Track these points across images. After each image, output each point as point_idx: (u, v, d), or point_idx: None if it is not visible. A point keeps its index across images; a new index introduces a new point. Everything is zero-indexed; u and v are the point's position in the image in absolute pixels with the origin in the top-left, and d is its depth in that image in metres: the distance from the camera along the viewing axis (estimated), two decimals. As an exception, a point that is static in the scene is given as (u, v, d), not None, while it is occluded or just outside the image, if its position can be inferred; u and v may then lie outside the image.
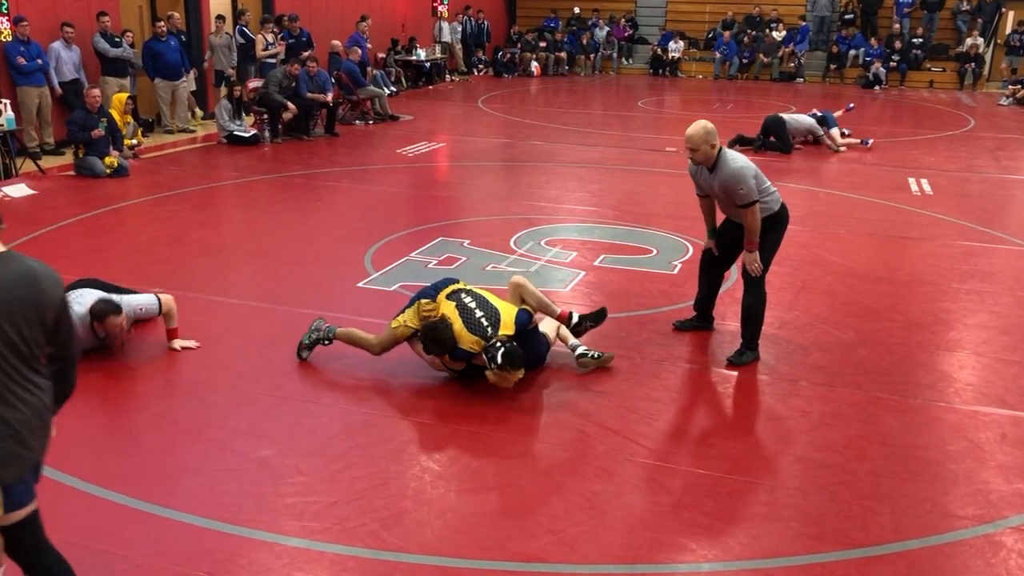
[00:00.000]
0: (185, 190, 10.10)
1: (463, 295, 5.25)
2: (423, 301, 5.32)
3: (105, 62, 12.31)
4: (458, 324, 5.06)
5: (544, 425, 4.91)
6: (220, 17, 14.38)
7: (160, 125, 13.69)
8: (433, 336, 5.06)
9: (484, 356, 5.03)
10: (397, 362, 5.57)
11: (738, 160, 5.41)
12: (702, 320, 6.15)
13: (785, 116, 13.05)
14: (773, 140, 12.73)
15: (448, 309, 5.16)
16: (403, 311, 5.40)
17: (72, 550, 3.68)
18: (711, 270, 6.03)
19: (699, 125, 5.38)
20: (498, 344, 4.99)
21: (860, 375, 5.52)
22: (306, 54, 14.24)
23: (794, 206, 6.35)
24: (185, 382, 5.27)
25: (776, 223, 5.59)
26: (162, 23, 13.10)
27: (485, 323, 5.08)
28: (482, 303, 5.21)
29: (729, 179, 5.34)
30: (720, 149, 5.43)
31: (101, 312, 5.28)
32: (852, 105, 14.53)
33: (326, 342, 5.54)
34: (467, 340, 5.04)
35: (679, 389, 5.31)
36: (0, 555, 2.93)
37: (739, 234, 5.56)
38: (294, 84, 13.20)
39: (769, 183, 5.61)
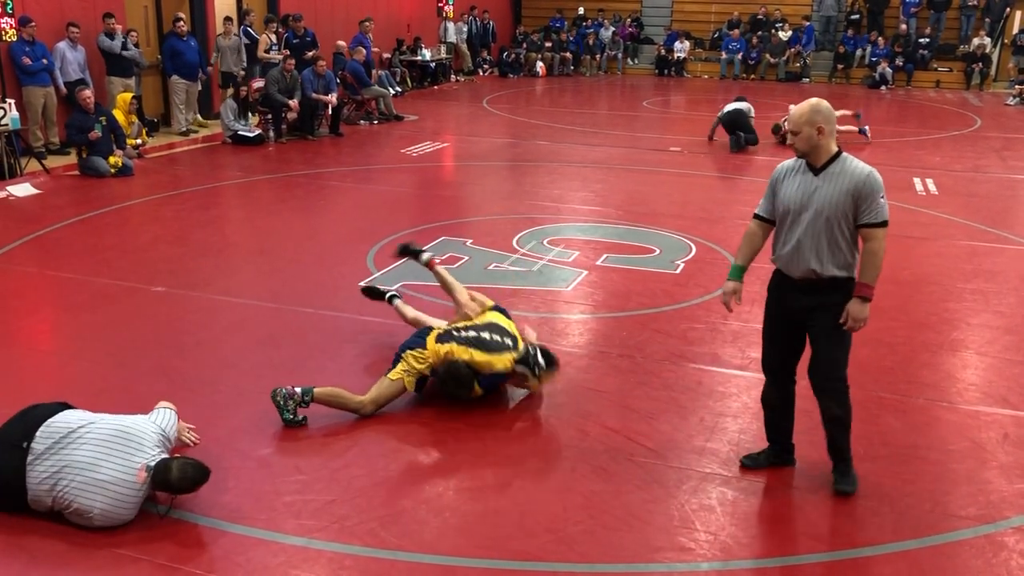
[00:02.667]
0: (189, 190, 10.12)
1: (455, 332, 5.03)
2: (413, 352, 4.96)
3: (110, 62, 12.34)
4: (478, 355, 4.86)
5: (544, 424, 4.90)
6: (228, 19, 14.41)
7: (167, 125, 13.71)
8: (455, 376, 4.83)
9: (524, 367, 4.92)
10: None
11: (864, 164, 3.98)
12: (780, 452, 4.42)
13: (742, 106, 13.22)
14: (743, 134, 12.91)
15: (450, 348, 4.90)
16: (393, 367, 5.00)
17: (70, 547, 3.70)
18: (778, 376, 4.28)
19: (809, 101, 4.01)
20: (531, 351, 4.96)
21: (862, 374, 5.49)
22: (311, 54, 14.26)
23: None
24: (187, 380, 5.27)
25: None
26: (182, 22, 13.17)
27: (502, 339, 5.00)
28: (481, 328, 5.08)
29: (862, 183, 3.87)
30: (836, 144, 4.01)
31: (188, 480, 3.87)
32: (860, 113, 14.46)
33: (303, 404, 4.75)
34: (499, 363, 4.88)
35: (680, 388, 5.29)
36: None
37: (809, 297, 4.03)
38: (293, 83, 13.21)
39: None
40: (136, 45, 12.82)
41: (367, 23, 16.82)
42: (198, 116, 14.29)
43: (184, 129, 13.48)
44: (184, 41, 13.13)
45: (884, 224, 3.90)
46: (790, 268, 4.05)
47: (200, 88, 13.89)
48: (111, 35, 12.21)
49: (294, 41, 14.86)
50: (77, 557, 3.66)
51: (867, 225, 3.89)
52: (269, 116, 13.21)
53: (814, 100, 4.00)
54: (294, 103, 13.13)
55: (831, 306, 3.98)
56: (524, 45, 23.72)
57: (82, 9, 12.24)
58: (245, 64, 14.44)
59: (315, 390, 4.77)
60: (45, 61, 11.34)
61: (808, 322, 4.06)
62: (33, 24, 11.21)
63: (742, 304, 4.76)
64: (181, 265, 7.35)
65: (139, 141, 11.72)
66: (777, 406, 4.31)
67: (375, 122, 15.11)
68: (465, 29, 22.45)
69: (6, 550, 3.69)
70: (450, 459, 4.50)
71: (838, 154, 3.96)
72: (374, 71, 16.43)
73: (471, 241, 8.11)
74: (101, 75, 12.41)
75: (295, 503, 4.03)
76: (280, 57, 13.84)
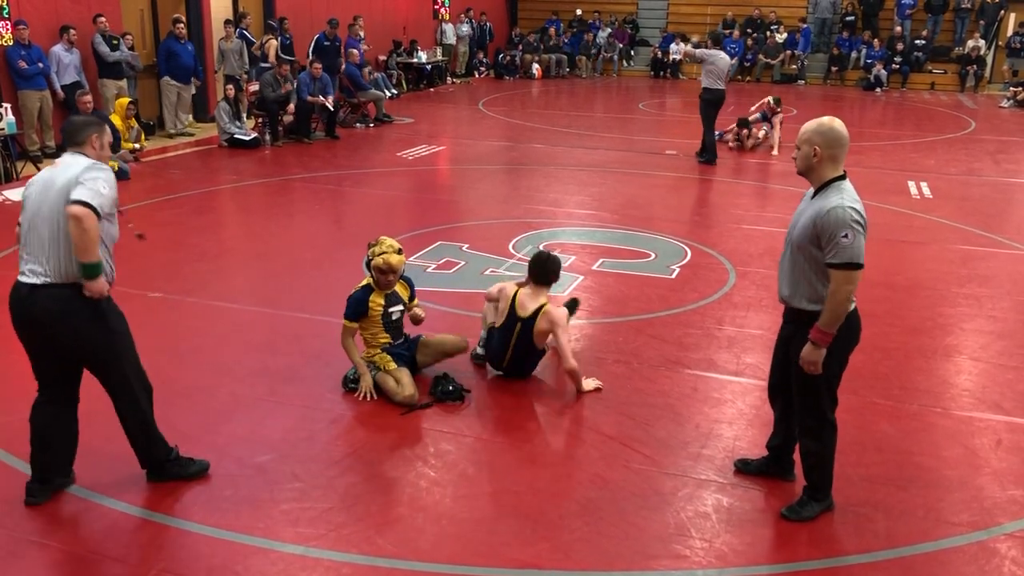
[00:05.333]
0: (185, 194, 10.12)
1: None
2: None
3: (103, 64, 12.33)
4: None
5: (540, 431, 4.93)
6: (228, 22, 14.42)
7: (162, 128, 13.71)
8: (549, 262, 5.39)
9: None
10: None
11: (852, 196, 3.69)
12: (772, 463, 4.41)
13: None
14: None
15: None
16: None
17: (70, 557, 3.71)
18: (777, 398, 4.28)
19: (821, 119, 3.81)
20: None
21: (856, 380, 5.51)
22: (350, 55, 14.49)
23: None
24: (183, 387, 5.28)
25: (849, 332, 3.81)
26: (182, 25, 13.20)
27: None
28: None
29: (823, 216, 3.63)
30: (838, 170, 3.77)
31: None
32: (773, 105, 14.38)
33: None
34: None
35: (676, 395, 5.32)
36: None
37: (788, 326, 3.98)
38: (288, 84, 13.23)
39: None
40: (132, 48, 12.82)
41: (354, 25, 16.69)
42: (191, 119, 14.31)
43: (174, 132, 13.48)
44: (182, 45, 13.19)
45: (847, 266, 3.59)
46: (778, 291, 4.04)
47: (194, 92, 13.89)
48: (105, 36, 12.20)
49: (324, 44, 14.76)
50: (74, 567, 3.67)
51: (828, 265, 3.64)
52: (265, 119, 13.22)
53: (826, 120, 3.79)
54: (291, 107, 13.16)
55: (803, 340, 3.78)
56: (520, 47, 23.74)
57: (77, 12, 12.23)
58: (247, 67, 14.46)
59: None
60: (41, 65, 11.33)
61: (789, 351, 3.95)
62: (24, 27, 11.18)
63: (737, 309, 4.76)
64: (177, 270, 7.35)
65: (137, 145, 11.72)
66: (777, 418, 4.32)
67: (371, 125, 15.12)
68: (465, 29, 22.42)
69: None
70: (447, 467, 4.51)
71: (834, 180, 3.72)
72: (365, 71, 16.29)
73: (467, 246, 8.13)
74: (95, 78, 12.40)
75: (292, 511, 4.05)
76: (285, 71, 13.78)
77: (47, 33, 11.71)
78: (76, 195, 3.66)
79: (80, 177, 3.74)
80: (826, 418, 3.97)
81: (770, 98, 13.36)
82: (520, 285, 5.46)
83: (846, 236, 3.58)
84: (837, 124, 3.77)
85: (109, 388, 4.04)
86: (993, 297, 7.12)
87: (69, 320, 3.83)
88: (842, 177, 3.76)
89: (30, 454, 4.07)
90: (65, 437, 4.12)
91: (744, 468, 4.44)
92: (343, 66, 15.03)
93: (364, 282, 5.29)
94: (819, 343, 3.71)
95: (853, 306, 3.79)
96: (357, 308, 5.21)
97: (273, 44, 14.75)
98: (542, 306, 5.28)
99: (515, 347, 5.32)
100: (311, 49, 14.92)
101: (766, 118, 13.47)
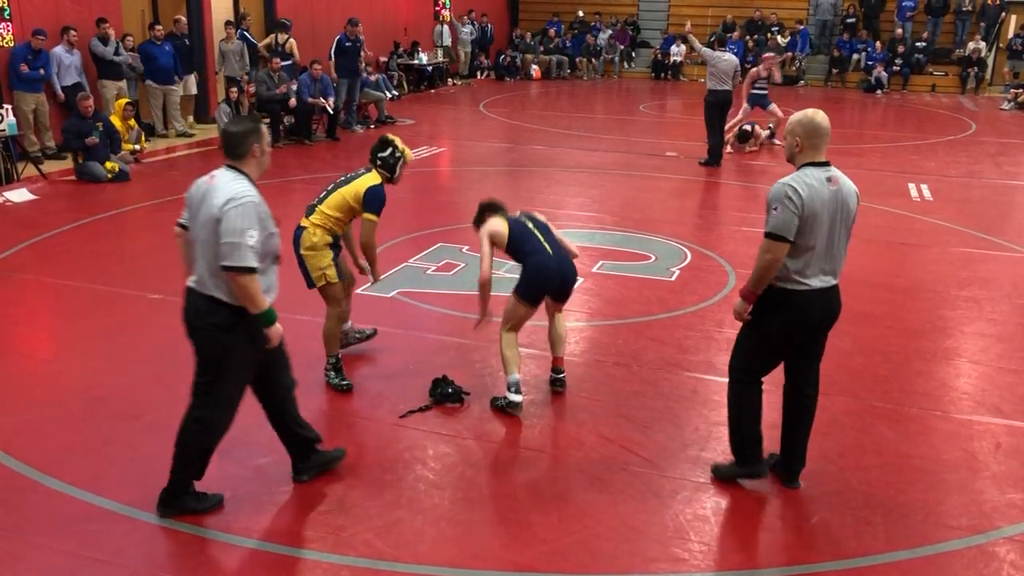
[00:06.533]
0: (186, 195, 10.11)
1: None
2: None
3: (102, 66, 12.34)
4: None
5: (539, 434, 4.92)
6: (229, 23, 14.41)
7: (165, 128, 13.72)
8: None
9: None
10: (393, 371, 5.59)
11: (802, 178, 3.92)
12: (781, 461, 4.47)
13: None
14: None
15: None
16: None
17: (68, 558, 3.71)
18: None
19: (806, 112, 4.02)
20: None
21: (856, 383, 5.53)
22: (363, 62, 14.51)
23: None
24: (184, 388, 5.27)
25: (776, 310, 4.04)
26: (159, 26, 13.15)
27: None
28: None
29: (771, 189, 3.99)
30: (816, 158, 3.98)
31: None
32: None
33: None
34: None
35: (675, 397, 5.32)
36: None
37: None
38: (284, 85, 13.23)
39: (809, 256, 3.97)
40: (132, 50, 12.83)
41: (351, 26, 16.56)
42: (191, 119, 14.32)
43: (163, 133, 13.49)
44: (158, 46, 13.04)
45: (769, 236, 3.89)
46: None
47: (181, 92, 13.83)
48: (104, 40, 12.21)
49: (346, 44, 14.64)
50: (72, 569, 3.67)
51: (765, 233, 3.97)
52: (267, 120, 13.23)
53: (809, 112, 4.01)
54: (291, 100, 13.15)
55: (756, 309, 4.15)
56: (520, 48, 23.74)
57: (78, 13, 12.24)
58: (248, 68, 14.45)
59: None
60: (43, 71, 11.33)
61: None
62: (43, 37, 11.22)
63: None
64: (177, 272, 7.30)
65: (137, 146, 11.73)
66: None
67: (371, 127, 15.13)
68: (466, 30, 22.41)
69: None
70: (446, 470, 4.51)
71: (805, 166, 3.97)
72: (364, 68, 16.17)
73: (467, 248, 8.12)
74: (95, 79, 12.41)
75: (291, 513, 4.05)
76: (293, 86, 13.75)
77: (48, 33, 11.71)
78: (224, 261, 3.68)
79: (222, 218, 3.67)
80: (736, 377, 4.26)
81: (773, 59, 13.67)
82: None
83: (776, 209, 3.89)
84: (818, 117, 3.97)
85: (209, 397, 3.98)
86: (993, 300, 7.12)
87: (203, 328, 3.91)
88: (816, 164, 3.95)
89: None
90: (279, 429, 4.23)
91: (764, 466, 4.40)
92: (362, 67, 14.88)
93: (376, 180, 5.34)
94: (742, 295, 4.08)
95: (794, 288, 3.98)
96: (384, 203, 5.32)
97: (293, 42, 14.70)
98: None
99: (539, 229, 5.15)
100: (333, 51, 14.55)
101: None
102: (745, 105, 13.54)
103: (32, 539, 3.83)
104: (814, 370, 4.25)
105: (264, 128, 3.92)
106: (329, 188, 5.39)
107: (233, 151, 3.83)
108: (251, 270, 3.70)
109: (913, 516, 4.14)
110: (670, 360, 5.82)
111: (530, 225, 5.19)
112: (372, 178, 5.33)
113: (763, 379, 4.26)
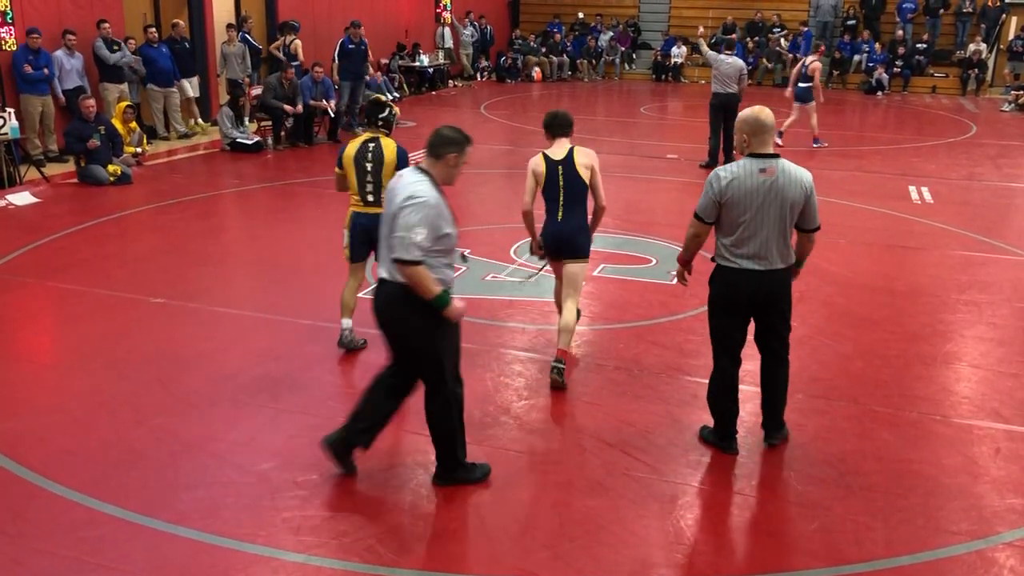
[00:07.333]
0: (187, 198, 10.15)
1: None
2: None
3: (104, 68, 12.36)
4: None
5: (541, 439, 4.94)
6: (231, 25, 14.42)
7: (168, 130, 13.74)
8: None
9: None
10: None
11: (732, 168, 4.43)
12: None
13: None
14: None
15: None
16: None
17: (71, 564, 3.73)
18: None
19: (752, 108, 4.44)
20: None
21: (856, 387, 5.55)
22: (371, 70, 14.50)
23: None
24: (186, 393, 5.30)
25: (714, 286, 4.62)
26: (153, 29, 13.19)
27: None
28: None
29: None
30: (761, 150, 4.41)
31: None
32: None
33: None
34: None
35: (676, 402, 5.33)
36: None
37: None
38: (293, 90, 13.23)
39: (743, 229, 4.38)
40: (134, 53, 12.85)
41: (354, 28, 16.59)
42: (199, 120, 14.34)
43: (166, 136, 13.51)
44: (155, 48, 13.08)
45: (694, 215, 4.54)
46: None
47: (196, 93, 13.87)
48: (109, 44, 12.24)
49: (349, 47, 14.66)
50: (74, 575, 3.69)
51: None
52: (268, 123, 13.23)
53: (755, 109, 4.42)
54: (298, 108, 13.15)
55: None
56: (520, 50, 23.75)
57: (79, 16, 12.27)
58: (250, 70, 14.47)
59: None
60: (46, 71, 11.36)
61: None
62: (37, 36, 11.24)
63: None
64: (180, 275, 7.38)
65: (139, 149, 11.74)
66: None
67: (373, 128, 15.12)
68: (467, 32, 22.42)
69: None
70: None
71: (745, 156, 4.43)
72: (368, 68, 16.15)
73: (468, 251, 8.13)
74: (97, 82, 12.43)
75: (294, 519, 4.07)
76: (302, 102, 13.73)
77: (50, 37, 11.74)
78: (393, 254, 3.97)
79: (398, 213, 3.96)
80: (714, 356, 4.72)
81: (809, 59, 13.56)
82: (543, 154, 5.74)
83: (704, 193, 4.44)
84: (763, 115, 4.38)
85: (424, 383, 4.26)
86: (993, 303, 7.13)
87: (395, 315, 4.12)
88: (756, 155, 4.35)
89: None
90: (375, 412, 4.38)
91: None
92: (369, 71, 14.86)
93: (390, 141, 5.83)
94: (677, 260, 4.91)
95: (728, 265, 4.47)
96: None
97: (299, 43, 14.70)
98: (571, 149, 5.66)
99: (565, 190, 5.58)
100: (336, 54, 14.57)
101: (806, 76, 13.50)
102: (796, 104, 13.73)
103: (35, 544, 3.85)
104: (780, 337, 4.67)
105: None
106: (369, 177, 5.77)
107: (434, 150, 4.14)
108: (415, 263, 3.93)
109: (913, 521, 4.15)
110: (671, 364, 5.84)
111: (561, 183, 5.59)
112: (387, 141, 5.79)
113: (737, 358, 4.68)
